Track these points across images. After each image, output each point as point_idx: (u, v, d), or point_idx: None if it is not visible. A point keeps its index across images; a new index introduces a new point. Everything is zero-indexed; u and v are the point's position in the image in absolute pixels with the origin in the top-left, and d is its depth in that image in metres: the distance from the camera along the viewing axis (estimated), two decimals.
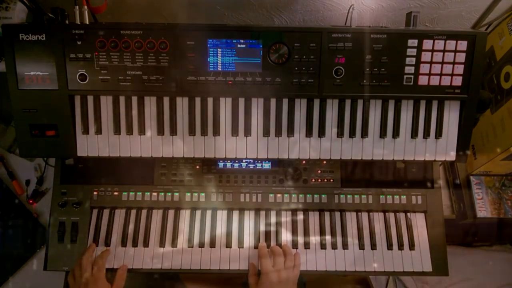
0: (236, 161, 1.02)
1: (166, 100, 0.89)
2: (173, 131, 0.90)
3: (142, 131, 0.90)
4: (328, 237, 0.99)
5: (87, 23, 0.86)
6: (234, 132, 0.90)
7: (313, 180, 1.02)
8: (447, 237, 1.00)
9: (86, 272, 0.89)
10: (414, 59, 0.87)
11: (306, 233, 0.99)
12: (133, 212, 1.00)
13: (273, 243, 0.97)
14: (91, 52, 0.85)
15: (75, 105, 0.89)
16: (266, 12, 1.16)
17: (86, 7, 0.85)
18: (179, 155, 0.91)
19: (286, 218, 1.00)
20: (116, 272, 0.93)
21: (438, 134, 0.91)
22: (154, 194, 1.00)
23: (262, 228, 0.99)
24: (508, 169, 1.19)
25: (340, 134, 0.91)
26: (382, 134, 0.91)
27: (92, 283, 0.88)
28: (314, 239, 0.99)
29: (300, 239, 0.98)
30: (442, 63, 0.87)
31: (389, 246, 0.98)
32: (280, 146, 0.91)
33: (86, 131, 0.90)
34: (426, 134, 0.91)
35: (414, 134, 0.91)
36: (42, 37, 0.83)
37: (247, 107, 0.90)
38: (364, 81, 0.87)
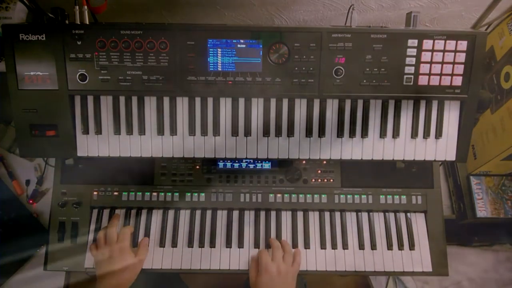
0: (236, 161, 1.02)
1: (166, 100, 0.89)
2: (173, 131, 0.90)
3: (142, 131, 0.90)
4: (328, 237, 0.99)
5: (87, 23, 0.86)
6: (234, 132, 0.90)
7: (313, 180, 1.02)
8: (447, 237, 1.00)
9: (111, 240, 0.90)
10: (414, 59, 0.87)
11: (306, 233, 0.99)
12: (133, 212, 1.00)
13: None
14: (91, 52, 0.85)
15: (75, 105, 0.89)
16: (266, 12, 1.16)
17: (86, 7, 0.85)
18: (179, 155, 0.91)
19: (286, 218, 1.00)
20: (139, 243, 0.95)
21: (438, 134, 0.91)
22: (154, 194, 1.00)
23: (262, 228, 0.99)
24: (508, 169, 1.19)
25: (340, 134, 0.90)
26: (382, 134, 0.91)
27: (118, 252, 0.89)
28: (314, 239, 0.99)
29: (300, 239, 0.98)
30: (442, 63, 0.87)
31: (389, 246, 0.98)
32: (280, 146, 0.91)
33: (86, 131, 0.90)
34: (426, 134, 0.91)
35: (414, 134, 0.91)
36: (42, 37, 0.83)
37: (247, 107, 0.90)
38: (364, 81, 0.87)
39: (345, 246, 0.98)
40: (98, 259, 0.91)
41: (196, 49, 0.86)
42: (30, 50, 0.84)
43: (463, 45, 0.86)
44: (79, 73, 0.86)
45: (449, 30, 0.85)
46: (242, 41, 0.86)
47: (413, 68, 0.87)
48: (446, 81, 0.88)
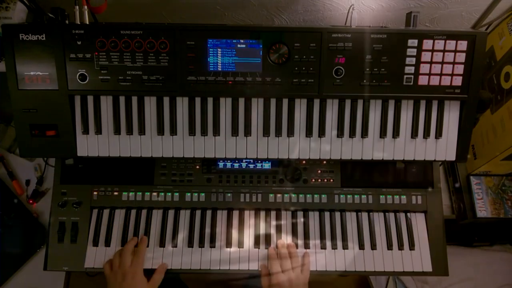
0: (236, 161, 1.02)
1: (166, 100, 0.89)
2: (173, 131, 0.90)
3: (142, 131, 0.90)
4: (328, 237, 0.99)
5: (87, 23, 0.86)
6: (234, 132, 0.90)
7: (313, 180, 1.02)
8: (447, 237, 1.00)
9: (125, 264, 0.90)
10: (414, 59, 0.87)
11: (306, 233, 0.99)
12: (133, 212, 1.00)
13: (273, 243, 0.98)
14: (91, 52, 0.85)
15: (75, 105, 0.89)
16: (266, 12, 1.16)
17: (86, 7, 0.85)
18: (179, 155, 0.91)
19: (286, 218, 1.00)
20: (156, 270, 0.94)
21: (438, 134, 0.91)
22: (154, 194, 1.00)
23: (262, 228, 0.99)
24: (508, 169, 1.19)
25: (340, 134, 0.91)
26: (382, 134, 0.91)
27: (130, 275, 0.89)
28: (314, 239, 0.99)
29: (300, 239, 0.98)
30: (442, 63, 0.87)
31: (389, 246, 0.98)
32: (280, 146, 0.91)
33: (86, 131, 0.90)
34: (426, 134, 0.91)
35: (414, 134, 0.91)
36: (42, 37, 0.83)
37: (247, 107, 0.90)
38: (364, 81, 0.87)
39: (345, 246, 0.98)
40: (111, 281, 0.91)
41: (196, 49, 0.86)
42: (30, 50, 0.84)
43: (463, 45, 0.86)
44: (79, 73, 0.86)
45: (449, 30, 0.85)
46: (242, 41, 0.86)
47: (413, 68, 0.87)
48: (446, 81, 0.88)
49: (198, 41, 0.85)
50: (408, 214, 1.01)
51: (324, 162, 1.03)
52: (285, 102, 0.90)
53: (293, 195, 1.01)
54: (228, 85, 0.87)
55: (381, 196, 1.01)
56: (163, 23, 0.89)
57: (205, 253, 0.97)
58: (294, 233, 0.99)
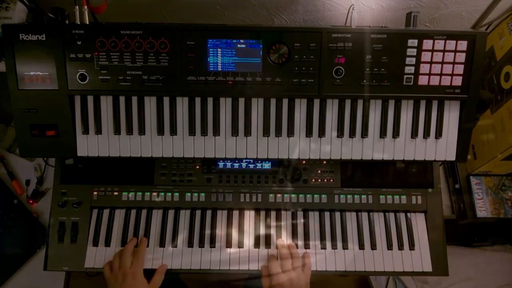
0: (236, 161, 1.02)
1: (166, 100, 0.89)
2: (173, 131, 0.90)
3: (142, 131, 0.90)
4: (328, 237, 0.99)
5: (87, 23, 0.86)
6: (234, 132, 0.90)
7: (313, 180, 1.02)
8: (447, 237, 1.00)
9: (125, 266, 0.90)
10: (414, 59, 0.87)
11: (306, 233, 0.99)
12: (133, 212, 1.00)
13: (273, 243, 0.98)
14: (91, 52, 0.85)
15: (75, 105, 0.89)
16: (266, 12, 1.16)
17: (86, 7, 0.85)
18: (179, 155, 0.91)
19: (286, 218, 1.00)
20: (156, 271, 0.94)
21: (438, 134, 0.91)
22: (154, 194, 1.00)
23: (262, 228, 0.99)
24: (508, 169, 1.19)
25: (340, 134, 0.90)
26: (382, 134, 0.91)
27: (130, 276, 0.89)
28: (314, 239, 0.99)
29: (300, 239, 0.98)
30: (442, 63, 0.87)
31: (389, 246, 0.98)
32: (280, 146, 0.91)
33: (86, 131, 0.90)
34: (426, 134, 0.91)
35: (414, 134, 0.91)
36: (42, 37, 0.83)
37: (247, 107, 0.90)
38: (364, 81, 0.87)
39: (345, 246, 0.98)
40: (111, 283, 0.91)
41: (196, 49, 0.86)
42: (30, 50, 0.84)
43: (463, 45, 0.86)
44: (79, 73, 0.86)
45: (449, 30, 0.85)
46: (242, 41, 0.86)
47: (413, 68, 0.87)
48: (446, 81, 0.88)
49: (198, 41, 0.85)
50: (408, 214, 1.01)
51: (324, 162, 1.03)
52: (285, 102, 0.90)
53: (293, 195, 1.01)
54: (228, 85, 0.87)
55: (381, 196, 1.01)
56: (163, 23, 0.89)
57: (205, 253, 0.97)
58: (294, 233, 0.99)
